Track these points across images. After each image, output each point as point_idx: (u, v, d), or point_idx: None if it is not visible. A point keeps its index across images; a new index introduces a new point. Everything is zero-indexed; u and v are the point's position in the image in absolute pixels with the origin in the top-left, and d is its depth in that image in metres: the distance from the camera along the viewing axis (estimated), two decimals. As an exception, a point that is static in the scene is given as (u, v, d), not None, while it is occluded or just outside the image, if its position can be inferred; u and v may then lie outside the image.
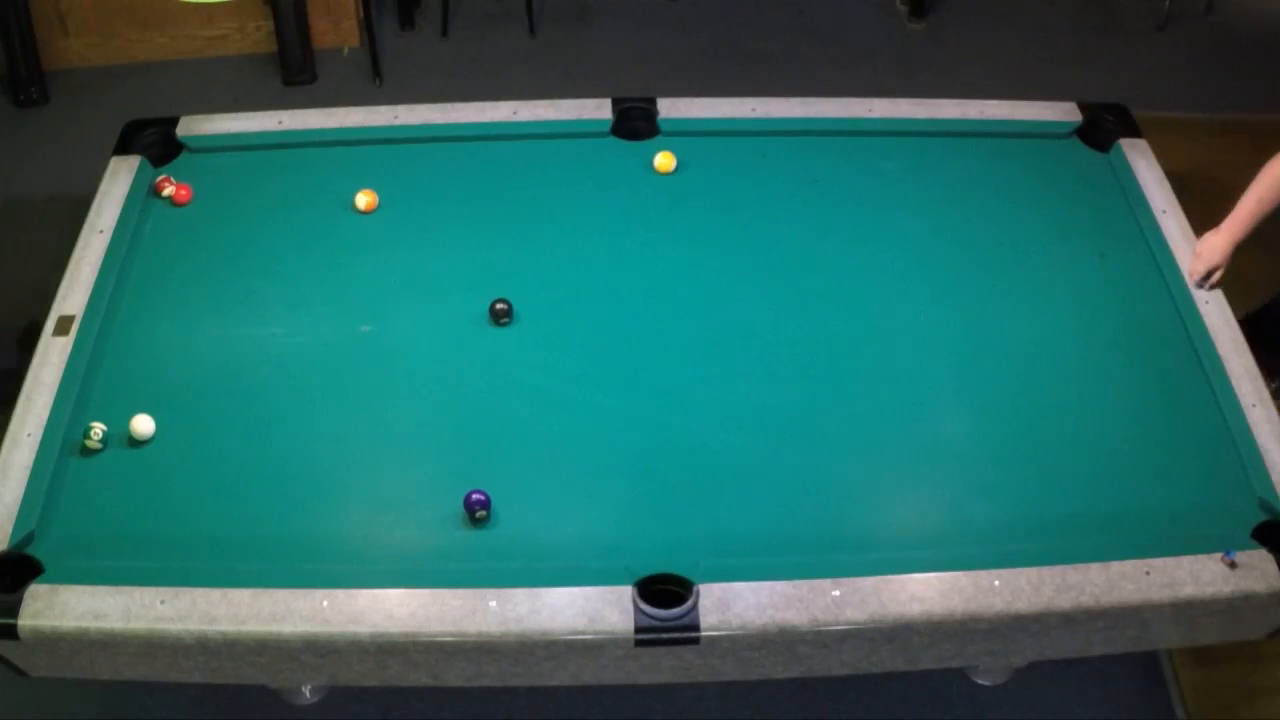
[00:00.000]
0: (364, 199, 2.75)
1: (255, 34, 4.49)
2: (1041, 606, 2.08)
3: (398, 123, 2.92)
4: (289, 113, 2.95)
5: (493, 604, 2.06)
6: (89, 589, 2.07)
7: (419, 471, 2.31)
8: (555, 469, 2.30)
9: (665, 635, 2.06)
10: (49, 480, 2.23)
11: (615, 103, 2.96)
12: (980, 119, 2.97)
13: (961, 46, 4.68)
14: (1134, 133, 2.93)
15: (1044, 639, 2.20)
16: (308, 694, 2.70)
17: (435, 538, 2.20)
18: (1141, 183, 2.81)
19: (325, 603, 2.06)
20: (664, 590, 2.08)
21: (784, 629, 2.06)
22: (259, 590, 2.07)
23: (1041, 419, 2.40)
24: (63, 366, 2.38)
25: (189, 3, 3.45)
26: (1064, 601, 2.09)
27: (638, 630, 2.05)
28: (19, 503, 2.18)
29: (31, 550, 2.14)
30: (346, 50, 4.56)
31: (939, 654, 2.23)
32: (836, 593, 2.08)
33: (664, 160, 2.84)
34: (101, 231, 2.64)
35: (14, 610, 2.04)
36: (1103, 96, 3.06)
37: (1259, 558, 2.15)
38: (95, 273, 2.55)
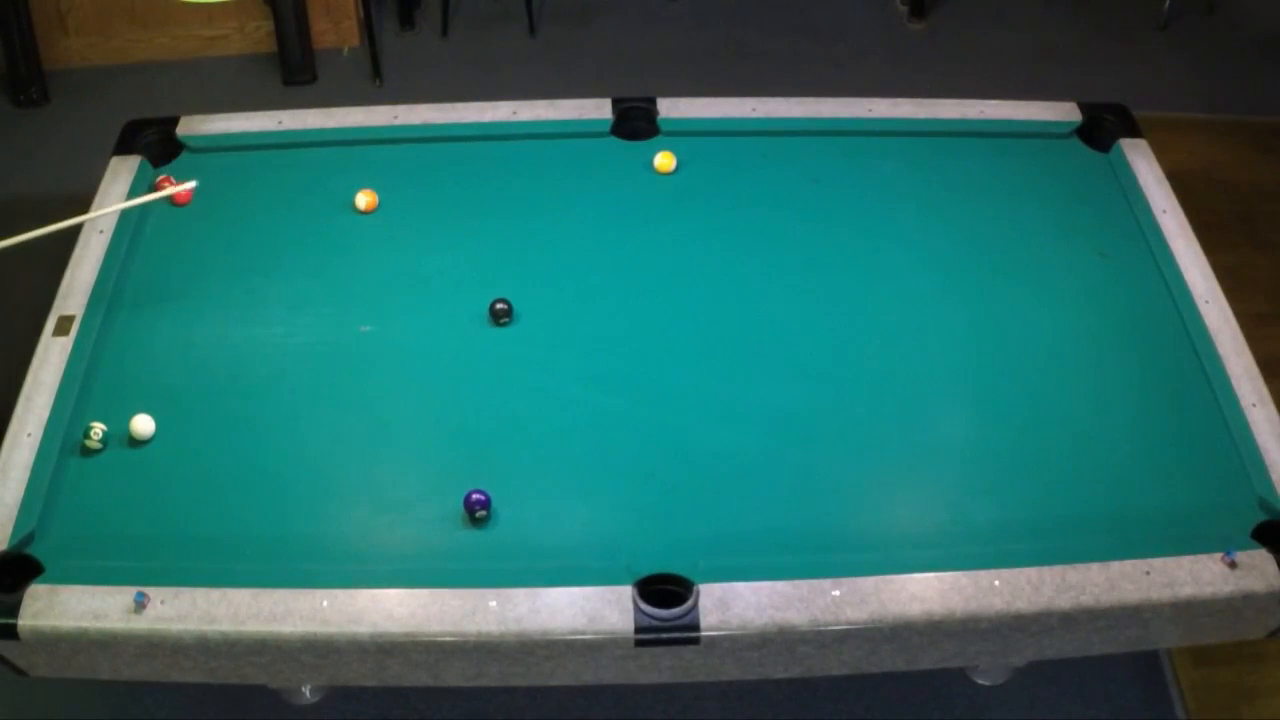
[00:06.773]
0: (364, 199, 2.74)
1: (255, 34, 4.49)
2: (1041, 606, 2.08)
3: (398, 123, 2.91)
4: (289, 113, 2.95)
5: (492, 604, 2.06)
6: (89, 589, 2.06)
7: (419, 471, 2.31)
8: (555, 469, 2.30)
9: (665, 635, 2.06)
10: (49, 480, 2.22)
11: (615, 103, 2.96)
12: (980, 119, 2.97)
13: (961, 46, 4.68)
14: (1134, 133, 2.93)
15: (1044, 639, 2.20)
16: (308, 694, 2.70)
17: (435, 538, 2.20)
18: (1141, 183, 2.80)
19: (325, 603, 2.06)
20: (664, 590, 2.08)
21: (784, 629, 2.06)
22: (259, 590, 2.07)
23: (1041, 419, 2.39)
24: (63, 366, 2.38)
25: (189, 3, 3.44)
26: (1064, 601, 2.09)
27: (638, 630, 2.05)
28: (19, 503, 2.18)
29: (31, 550, 2.14)
30: (346, 50, 4.57)
31: (939, 654, 2.23)
32: (836, 593, 2.08)
33: (664, 160, 2.84)
34: (101, 231, 2.64)
35: (14, 610, 2.04)
36: (1103, 96, 3.06)
37: (1259, 558, 2.15)
38: (95, 273, 2.56)
